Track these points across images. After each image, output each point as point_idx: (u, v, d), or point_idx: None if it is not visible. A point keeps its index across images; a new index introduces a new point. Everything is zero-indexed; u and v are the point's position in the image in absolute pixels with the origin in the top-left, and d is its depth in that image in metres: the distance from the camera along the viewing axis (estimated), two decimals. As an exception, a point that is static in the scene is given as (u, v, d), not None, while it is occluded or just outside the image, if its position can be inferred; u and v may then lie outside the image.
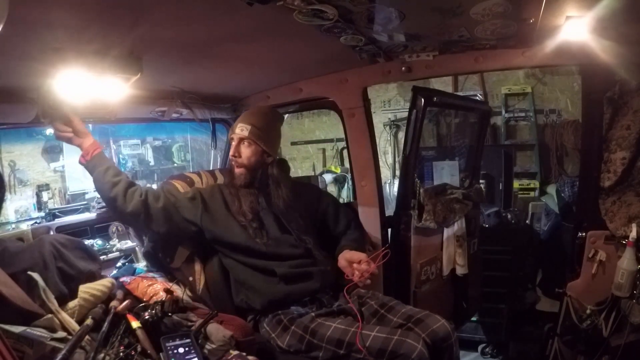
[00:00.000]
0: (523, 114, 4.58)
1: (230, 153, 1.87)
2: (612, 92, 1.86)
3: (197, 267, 1.80)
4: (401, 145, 4.82)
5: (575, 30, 1.47)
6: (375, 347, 1.41)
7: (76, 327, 1.27)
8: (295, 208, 1.88)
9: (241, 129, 1.84)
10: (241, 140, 1.85)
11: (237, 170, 1.87)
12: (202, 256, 1.85)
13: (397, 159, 5.14)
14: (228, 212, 1.80)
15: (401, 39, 1.72)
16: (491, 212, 3.12)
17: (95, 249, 2.11)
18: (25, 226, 2.53)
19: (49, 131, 4.80)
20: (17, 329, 1.10)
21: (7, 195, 4.34)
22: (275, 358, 1.58)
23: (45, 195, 4.72)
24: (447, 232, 2.24)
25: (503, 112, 4.62)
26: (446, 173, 3.13)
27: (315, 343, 1.52)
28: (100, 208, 2.43)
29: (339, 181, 5.41)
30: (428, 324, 1.52)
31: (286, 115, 5.61)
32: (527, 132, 4.62)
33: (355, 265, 1.67)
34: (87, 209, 2.53)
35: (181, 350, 1.24)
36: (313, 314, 1.60)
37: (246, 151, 1.85)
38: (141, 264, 2.10)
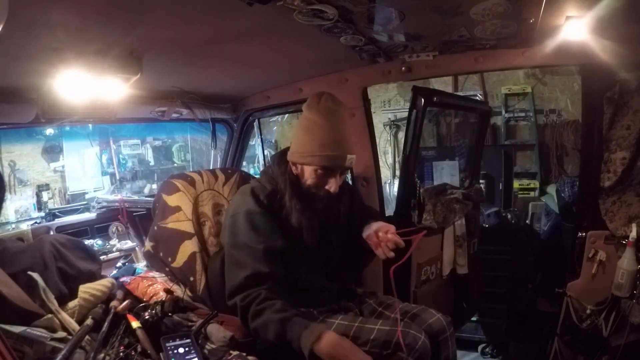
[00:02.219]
0: (523, 114, 4.57)
1: (334, 188, 1.51)
2: (612, 92, 1.87)
3: (198, 267, 1.80)
4: (401, 145, 4.82)
5: (575, 30, 1.48)
6: (380, 340, 1.42)
7: (76, 327, 1.27)
8: (340, 216, 1.70)
9: (350, 162, 1.52)
10: (345, 171, 1.57)
11: (323, 197, 1.56)
12: (204, 256, 1.85)
13: (397, 159, 5.14)
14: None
15: (401, 39, 1.72)
16: (491, 212, 3.12)
17: (95, 249, 2.10)
18: (25, 226, 2.52)
19: (49, 131, 4.82)
20: (17, 329, 1.10)
21: (7, 195, 4.34)
22: (276, 358, 1.58)
23: (45, 195, 4.73)
24: (447, 232, 2.24)
25: (503, 112, 4.62)
26: (446, 173, 3.14)
27: None
28: (100, 208, 2.43)
29: (339, 181, 5.40)
30: (424, 318, 1.54)
31: (286, 115, 5.67)
32: (527, 132, 4.62)
33: (381, 234, 1.54)
34: (87, 209, 2.52)
35: (181, 350, 1.24)
36: (315, 311, 1.60)
37: (342, 181, 1.58)
38: (141, 264, 2.10)
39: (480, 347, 2.98)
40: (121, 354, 1.20)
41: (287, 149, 1.62)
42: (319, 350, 1.26)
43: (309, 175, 1.52)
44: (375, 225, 1.59)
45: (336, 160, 1.49)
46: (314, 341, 1.27)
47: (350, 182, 2.21)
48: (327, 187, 1.51)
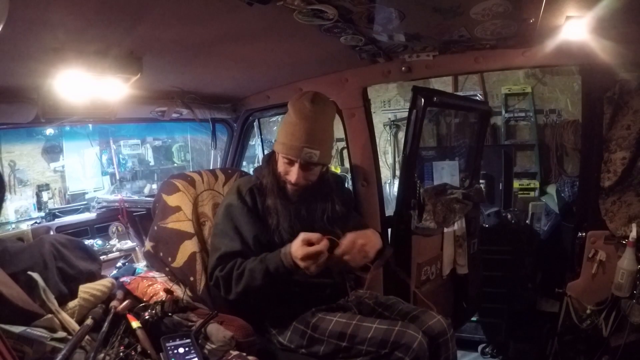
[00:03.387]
0: (523, 114, 4.57)
1: (292, 178, 1.59)
2: (612, 92, 1.86)
3: (198, 267, 1.80)
4: (401, 145, 4.82)
5: (575, 30, 1.48)
6: (378, 338, 1.43)
7: (76, 327, 1.27)
8: (336, 219, 1.71)
9: (309, 155, 1.56)
10: (308, 165, 1.60)
11: (291, 188, 1.64)
12: (204, 256, 1.85)
13: (397, 159, 5.14)
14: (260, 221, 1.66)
15: (401, 39, 1.72)
16: (491, 212, 3.12)
17: (95, 249, 2.10)
18: (25, 226, 2.52)
19: (49, 131, 4.82)
20: (17, 329, 1.10)
21: (7, 195, 4.34)
22: (276, 358, 1.58)
23: (45, 195, 4.73)
24: (447, 232, 2.24)
25: (503, 112, 4.62)
26: (446, 173, 3.13)
27: (317, 337, 1.53)
28: (100, 208, 2.43)
29: (339, 181, 5.40)
30: (424, 320, 1.54)
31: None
32: (527, 132, 4.62)
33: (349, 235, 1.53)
34: (87, 209, 2.52)
35: (181, 350, 1.24)
36: (313, 309, 1.60)
37: (310, 174, 1.63)
38: (141, 264, 2.10)
39: (480, 347, 2.98)
40: (121, 354, 1.20)
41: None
42: (295, 254, 1.43)
43: (279, 163, 1.64)
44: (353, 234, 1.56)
45: (291, 150, 1.57)
46: (289, 252, 1.44)
47: (349, 187, 2.22)
48: (287, 176, 1.62)
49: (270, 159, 1.70)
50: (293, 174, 1.59)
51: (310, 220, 1.66)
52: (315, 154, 1.56)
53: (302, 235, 1.43)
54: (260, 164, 1.80)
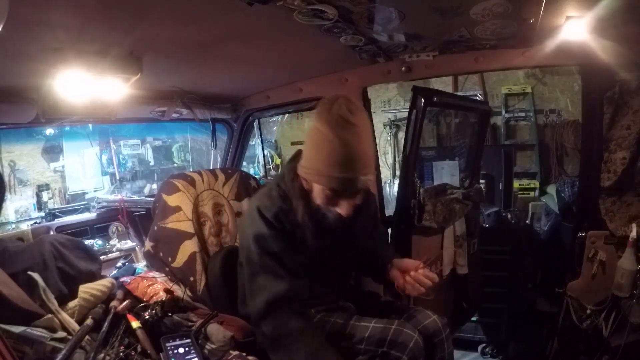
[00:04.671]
0: (523, 114, 4.58)
1: (344, 212, 1.33)
2: (612, 92, 1.87)
3: (199, 267, 1.80)
4: (401, 145, 4.82)
5: (575, 30, 1.48)
6: (375, 337, 1.43)
7: (76, 327, 1.27)
8: (358, 234, 1.58)
9: (365, 184, 1.32)
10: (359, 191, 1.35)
11: (336, 218, 1.40)
12: (204, 256, 1.85)
13: (397, 159, 5.14)
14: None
15: (401, 39, 1.72)
16: (491, 212, 3.12)
17: (95, 249, 2.10)
18: (25, 226, 2.53)
19: (49, 131, 4.82)
20: (17, 329, 1.10)
21: (7, 195, 4.34)
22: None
23: (45, 195, 4.74)
24: (447, 232, 2.24)
25: (503, 112, 4.62)
26: (446, 173, 3.14)
27: None
28: (100, 208, 2.43)
29: (339, 181, 5.40)
30: (419, 319, 1.54)
31: (286, 115, 5.67)
32: (527, 132, 4.62)
33: (412, 274, 1.45)
34: (87, 209, 2.52)
35: (181, 350, 1.24)
36: (313, 310, 1.60)
37: (358, 199, 1.37)
38: (141, 264, 2.10)
39: (480, 347, 2.98)
40: (121, 354, 1.20)
41: (299, 154, 1.43)
42: None
43: (317, 193, 1.35)
44: (401, 264, 1.53)
45: (346, 182, 1.28)
46: None
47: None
48: (337, 209, 1.35)
49: (295, 178, 1.40)
50: (345, 208, 1.33)
51: (347, 241, 1.53)
52: (371, 179, 1.32)
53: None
54: (280, 175, 1.50)
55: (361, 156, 1.27)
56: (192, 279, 1.78)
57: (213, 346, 1.35)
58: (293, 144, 6.15)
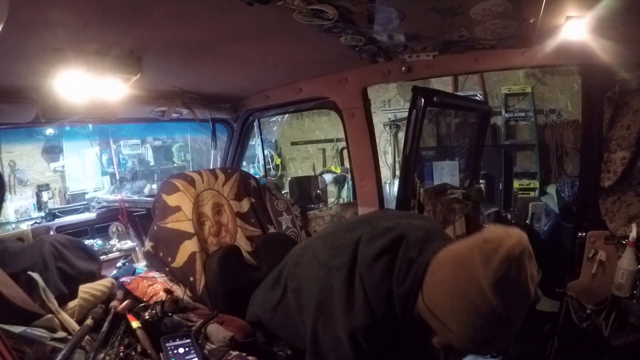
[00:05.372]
0: (523, 114, 4.58)
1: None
2: (612, 92, 1.87)
3: (198, 267, 1.80)
4: (401, 145, 4.82)
5: (575, 30, 1.48)
6: None
7: (76, 327, 1.27)
8: None
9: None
10: None
11: None
12: (204, 256, 1.85)
13: (397, 159, 5.14)
14: None
15: (401, 39, 1.72)
16: (491, 212, 3.12)
17: (95, 249, 2.10)
18: (25, 226, 2.53)
19: (49, 131, 4.83)
20: (17, 329, 1.10)
21: (7, 195, 4.34)
22: (276, 358, 1.58)
23: (45, 195, 4.74)
24: (447, 232, 2.24)
25: (503, 112, 4.62)
26: (446, 173, 3.13)
27: None
28: (100, 208, 2.43)
29: (338, 181, 5.42)
30: None
31: (286, 115, 5.67)
32: (527, 132, 4.62)
33: None
34: (87, 209, 2.52)
35: (181, 350, 1.24)
36: None
37: None
38: (141, 264, 2.10)
39: (480, 347, 2.98)
40: (121, 354, 1.19)
41: (423, 264, 1.05)
42: None
43: (440, 339, 1.05)
44: None
45: (484, 347, 1.11)
46: None
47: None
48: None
49: (412, 300, 1.06)
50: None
51: None
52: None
53: None
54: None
55: (513, 324, 0.98)
56: (191, 279, 1.78)
57: (213, 346, 1.35)
58: (293, 144, 6.16)
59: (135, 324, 1.31)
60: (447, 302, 0.99)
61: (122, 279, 1.67)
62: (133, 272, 1.93)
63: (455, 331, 0.98)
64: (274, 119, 5.79)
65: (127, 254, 2.26)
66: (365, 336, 1.06)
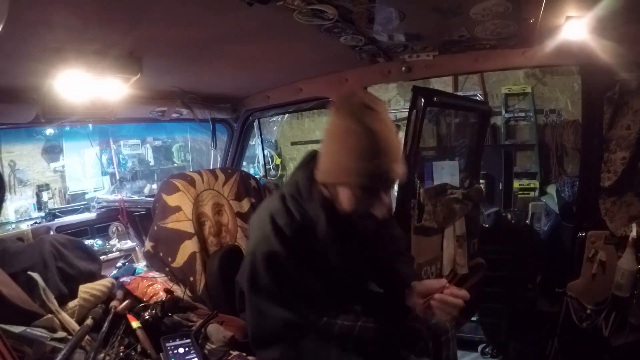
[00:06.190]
0: (523, 114, 4.57)
1: (381, 213, 1.20)
2: (612, 92, 1.87)
3: (198, 267, 1.80)
4: (401, 146, 4.81)
5: (575, 30, 1.48)
6: (382, 337, 1.42)
7: (76, 327, 1.27)
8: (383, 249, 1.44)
9: (400, 175, 1.18)
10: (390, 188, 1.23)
11: (368, 225, 1.29)
12: (204, 256, 1.85)
13: (397, 159, 5.13)
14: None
15: (401, 39, 1.72)
16: (491, 212, 3.11)
17: (95, 249, 2.10)
18: (25, 226, 2.52)
19: (49, 131, 4.83)
20: (17, 329, 1.10)
21: (7, 195, 4.34)
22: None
23: (45, 195, 4.74)
24: (447, 232, 2.24)
25: (503, 112, 4.61)
26: (446, 173, 3.13)
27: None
28: (100, 208, 2.43)
29: (339, 181, 5.39)
30: (427, 318, 1.53)
31: (286, 115, 5.67)
32: (527, 132, 4.62)
33: (437, 297, 1.21)
34: (87, 209, 2.52)
35: (181, 350, 1.24)
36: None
37: (390, 199, 1.26)
38: (141, 264, 2.10)
39: (480, 347, 2.98)
40: (121, 354, 1.20)
41: (313, 157, 1.25)
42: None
43: (345, 198, 1.17)
44: (423, 287, 1.26)
45: (379, 176, 1.13)
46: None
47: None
48: (372, 211, 1.19)
49: (313, 186, 1.24)
50: (381, 208, 1.19)
51: (373, 258, 1.39)
52: (403, 168, 1.18)
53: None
54: (292, 183, 1.30)
55: (391, 144, 1.12)
56: (192, 279, 1.78)
57: (213, 346, 1.35)
58: (293, 144, 6.15)
59: (135, 324, 1.31)
60: (330, 153, 1.18)
61: (122, 279, 1.67)
62: (133, 272, 1.93)
63: (348, 179, 1.14)
64: (274, 119, 5.79)
65: (127, 254, 2.26)
66: (279, 259, 1.17)
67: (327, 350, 1.20)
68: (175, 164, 6.32)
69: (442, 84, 4.61)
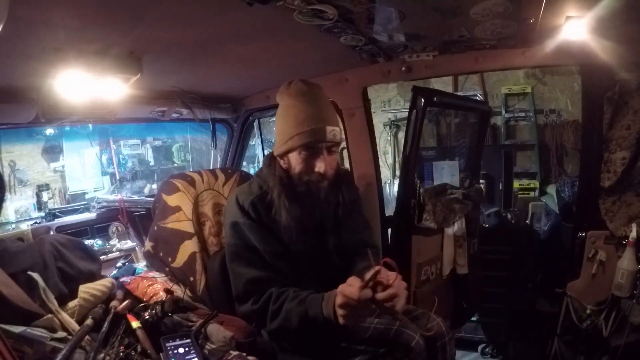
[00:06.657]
0: (523, 114, 4.58)
1: (323, 169, 1.38)
2: (612, 92, 1.87)
3: (199, 267, 1.80)
4: (401, 145, 4.81)
5: (575, 30, 1.48)
6: (375, 337, 1.44)
7: (76, 327, 1.27)
8: (345, 217, 1.57)
9: (333, 134, 1.39)
10: (332, 147, 1.41)
11: (317, 185, 1.43)
12: (204, 256, 1.85)
13: (397, 159, 5.14)
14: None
15: (401, 39, 1.72)
16: (491, 212, 3.12)
17: (95, 249, 2.10)
18: (25, 226, 2.52)
19: (49, 131, 4.83)
20: (17, 329, 1.10)
21: (7, 195, 4.34)
22: (276, 358, 1.58)
23: (45, 195, 4.74)
24: (447, 232, 2.24)
25: (503, 112, 4.62)
26: (446, 173, 3.13)
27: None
28: (100, 208, 2.43)
29: (339, 181, 5.40)
30: (423, 321, 1.54)
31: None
32: (527, 132, 4.62)
33: (380, 295, 1.18)
34: (87, 209, 2.52)
35: (181, 350, 1.24)
36: None
37: (333, 161, 1.44)
38: (141, 264, 2.10)
39: (480, 347, 2.98)
40: (121, 354, 1.19)
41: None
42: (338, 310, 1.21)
43: (295, 162, 1.41)
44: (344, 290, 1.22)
45: (315, 133, 1.35)
46: (333, 305, 1.22)
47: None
48: (316, 169, 1.38)
49: (271, 163, 1.50)
50: (322, 164, 1.37)
51: (330, 230, 1.53)
52: (337, 130, 1.39)
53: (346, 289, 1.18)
54: (260, 169, 1.58)
55: (323, 108, 1.40)
56: (192, 279, 1.78)
57: (213, 346, 1.35)
58: (293, 144, 6.13)
59: (135, 324, 1.31)
60: (279, 130, 1.43)
61: (122, 279, 1.67)
62: (133, 272, 1.93)
63: (292, 144, 1.38)
64: (273, 119, 5.78)
65: (127, 254, 2.27)
66: (239, 226, 1.42)
67: (286, 291, 1.37)
68: (175, 164, 6.32)
69: (442, 84, 4.61)
